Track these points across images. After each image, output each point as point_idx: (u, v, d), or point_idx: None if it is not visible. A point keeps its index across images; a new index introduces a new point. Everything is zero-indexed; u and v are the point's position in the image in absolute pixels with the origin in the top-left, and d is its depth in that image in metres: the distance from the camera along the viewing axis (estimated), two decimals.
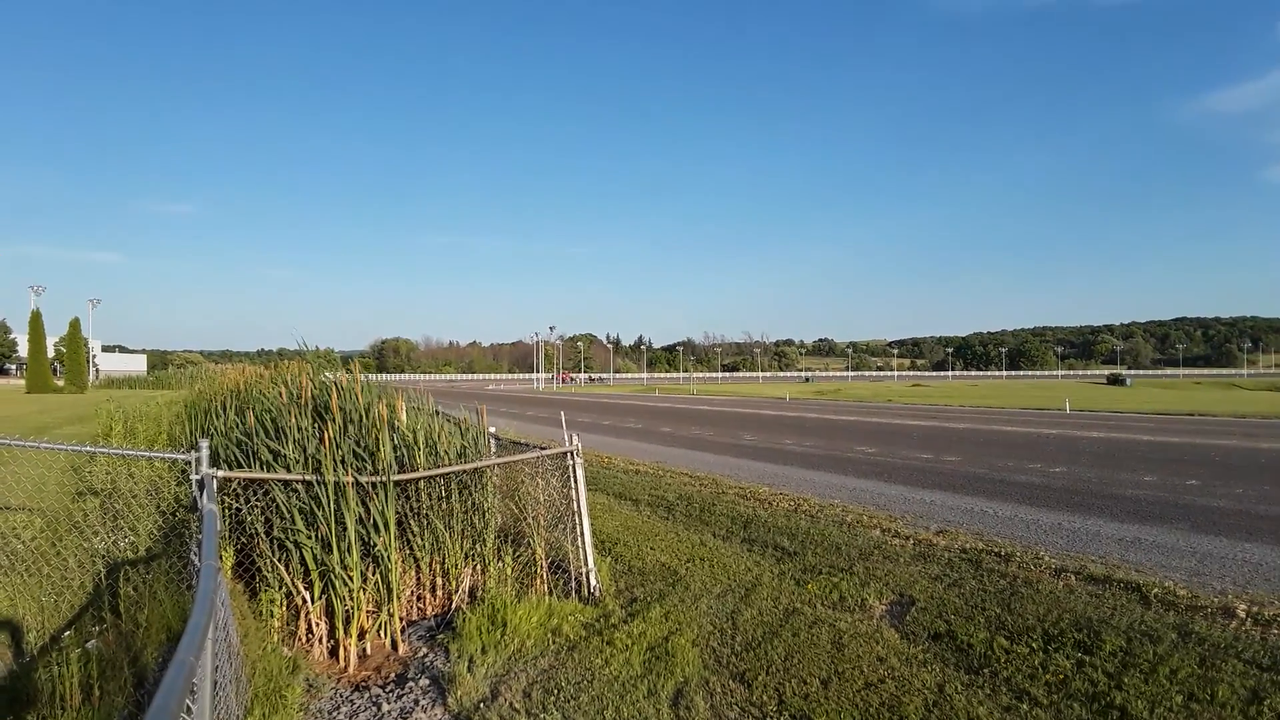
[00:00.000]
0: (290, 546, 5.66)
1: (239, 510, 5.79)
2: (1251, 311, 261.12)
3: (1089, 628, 5.49)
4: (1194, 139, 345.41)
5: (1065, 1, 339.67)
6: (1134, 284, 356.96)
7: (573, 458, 6.77)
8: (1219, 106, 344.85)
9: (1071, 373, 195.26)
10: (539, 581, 6.56)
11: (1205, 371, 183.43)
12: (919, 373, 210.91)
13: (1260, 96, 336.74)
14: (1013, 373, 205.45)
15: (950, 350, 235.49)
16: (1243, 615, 5.78)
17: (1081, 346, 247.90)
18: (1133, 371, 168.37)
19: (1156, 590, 6.37)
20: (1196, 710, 4.31)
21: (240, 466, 6.16)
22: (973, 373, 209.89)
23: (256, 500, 5.77)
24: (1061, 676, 4.79)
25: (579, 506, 6.70)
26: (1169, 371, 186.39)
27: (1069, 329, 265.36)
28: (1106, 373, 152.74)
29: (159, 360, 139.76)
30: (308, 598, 5.64)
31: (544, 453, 6.92)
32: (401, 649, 5.73)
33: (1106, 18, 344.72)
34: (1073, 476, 13.77)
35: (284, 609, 5.65)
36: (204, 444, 5.43)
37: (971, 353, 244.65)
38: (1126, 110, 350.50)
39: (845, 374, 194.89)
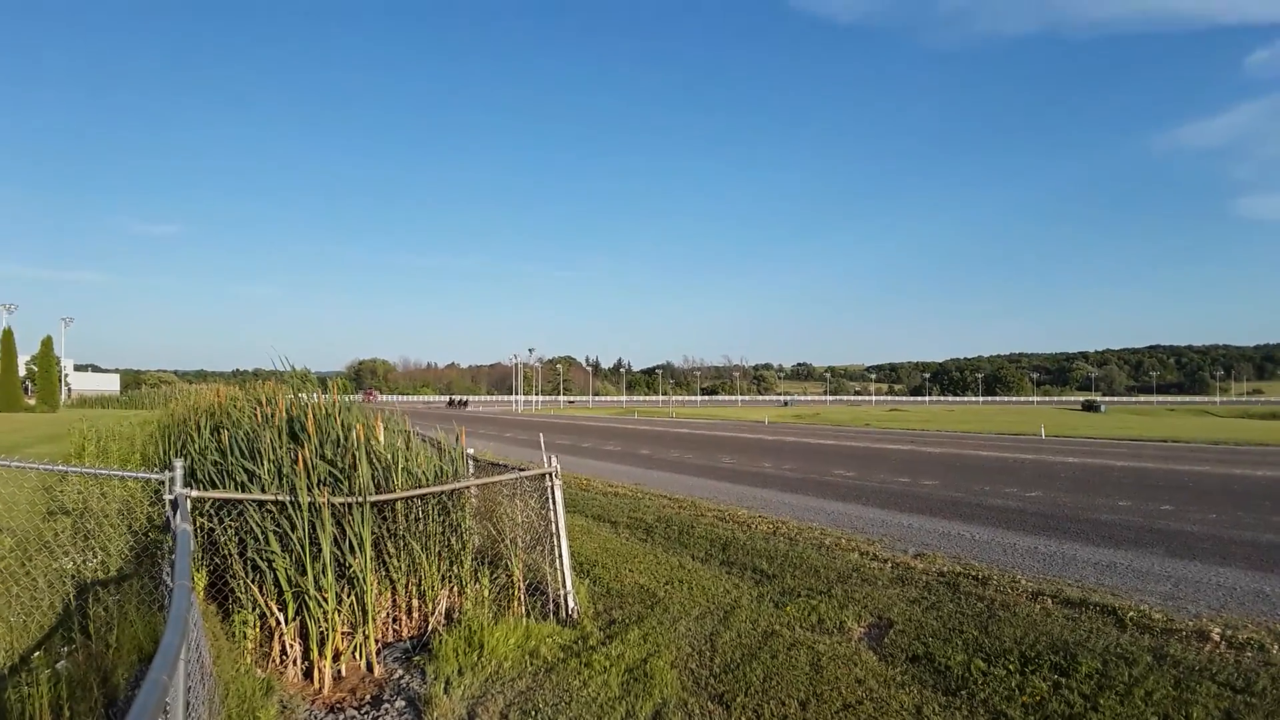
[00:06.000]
0: (264, 567, 5.60)
1: (213, 531, 5.72)
2: (1224, 340, 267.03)
3: (1065, 650, 5.53)
4: (1168, 170, 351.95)
5: (1043, 35, 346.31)
6: (1109, 312, 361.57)
7: (551, 479, 6.75)
8: (1193, 139, 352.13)
9: (1047, 399, 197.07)
10: (516, 603, 6.52)
11: (1178, 399, 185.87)
12: (897, 398, 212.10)
13: (1231, 130, 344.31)
14: (989, 398, 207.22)
15: (927, 376, 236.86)
16: (1217, 638, 5.84)
17: (1057, 373, 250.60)
18: (1107, 398, 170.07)
19: (1132, 613, 6.42)
20: None
21: (214, 487, 6.10)
22: (949, 398, 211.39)
23: (230, 521, 5.70)
24: (1038, 698, 4.82)
25: (557, 528, 6.67)
26: (1143, 398, 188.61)
27: (1044, 355, 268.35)
28: (1081, 399, 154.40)
29: (132, 380, 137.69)
30: (281, 619, 5.57)
31: (522, 474, 6.90)
32: (377, 671, 5.66)
33: (1083, 51, 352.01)
34: (1049, 501, 13.89)
35: (258, 630, 5.58)
36: (178, 464, 5.38)
37: (948, 378, 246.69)
38: (1102, 141, 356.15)
39: (824, 398, 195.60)
